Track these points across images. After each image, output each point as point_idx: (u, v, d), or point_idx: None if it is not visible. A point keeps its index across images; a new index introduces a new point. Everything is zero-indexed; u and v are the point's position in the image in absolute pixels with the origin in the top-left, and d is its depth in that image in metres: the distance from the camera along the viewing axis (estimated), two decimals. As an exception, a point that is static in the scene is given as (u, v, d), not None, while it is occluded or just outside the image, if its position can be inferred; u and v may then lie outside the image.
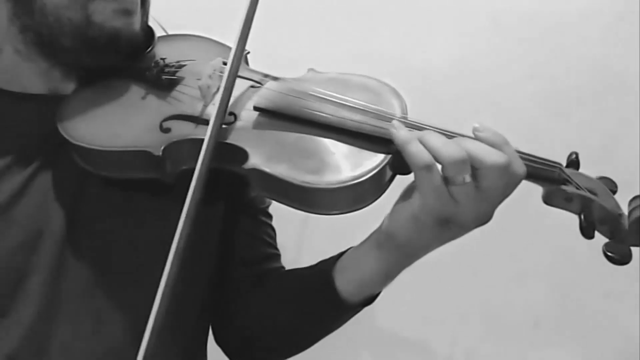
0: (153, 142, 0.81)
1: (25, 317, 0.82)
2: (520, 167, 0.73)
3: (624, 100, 1.43)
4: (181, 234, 0.72)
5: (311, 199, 0.77)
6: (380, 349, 1.45)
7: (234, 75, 0.79)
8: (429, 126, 0.77)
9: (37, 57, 0.87)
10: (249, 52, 0.95)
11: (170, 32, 1.00)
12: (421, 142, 0.73)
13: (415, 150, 0.72)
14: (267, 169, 0.76)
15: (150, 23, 0.93)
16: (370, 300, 0.85)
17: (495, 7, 1.46)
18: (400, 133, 0.73)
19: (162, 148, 0.80)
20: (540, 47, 1.46)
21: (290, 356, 0.98)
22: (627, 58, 1.42)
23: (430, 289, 1.41)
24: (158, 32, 0.96)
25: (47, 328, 0.83)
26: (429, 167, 0.71)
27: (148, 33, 0.92)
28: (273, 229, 1.01)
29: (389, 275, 0.82)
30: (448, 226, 0.74)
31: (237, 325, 0.96)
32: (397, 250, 0.78)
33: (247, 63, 0.95)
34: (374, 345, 1.45)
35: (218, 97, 0.78)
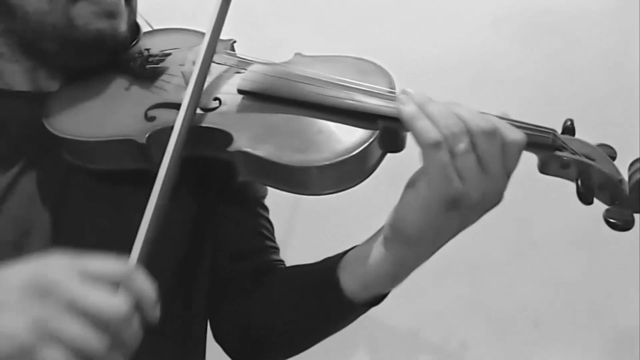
0: (138, 130, 0.80)
1: None
2: (513, 133, 0.71)
3: (624, 99, 1.43)
4: (150, 221, 0.69)
5: (298, 179, 0.75)
6: (378, 348, 1.43)
7: (209, 57, 0.79)
8: None
9: (20, 58, 0.86)
10: (234, 41, 0.94)
11: (155, 27, 0.99)
12: (423, 112, 0.71)
13: (424, 127, 0.69)
14: (252, 151, 0.75)
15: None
16: (377, 300, 0.82)
17: (495, 3, 1.46)
18: (407, 107, 0.71)
19: (147, 136, 0.79)
20: (540, 44, 1.46)
21: (292, 355, 0.95)
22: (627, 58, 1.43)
23: (430, 288, 1.39)
24: (145, 28, 0.96)
25: None
26: (438, 145, 0.69)
27: (134, 28, 0.91)
28: (270, 222, 0.99)
29: (397, 275, 0.78)
30: (457, 209, 0.71)
31: (237, 323, 0.94)
32: (405, 247, 0.75)
33: (233, 50, 0.93)
34: (371, 344, 1.43)
35: (192, 77, 0.77)
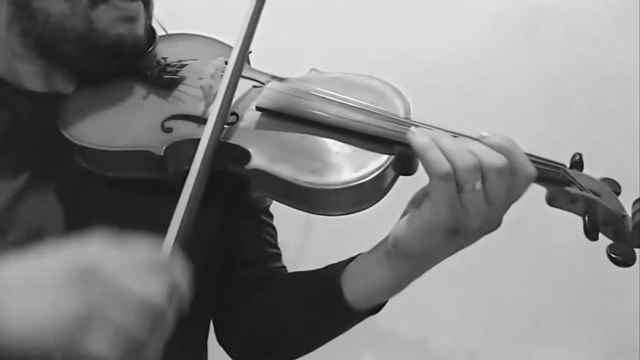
0: (155, 142, 0.81)
1: None
2: (527, 169, 0.73)
3: (625, 99, 1.43)
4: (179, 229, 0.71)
5: (313, 200, 0.76)
6: (381, 350, 1.45)
7: (237, 74, 0.79)
8: (433, 127, 0.77)
9: (36, 60, 0.86)
10: (250, 52, 0.94)
11: (170, 32, 1.00)
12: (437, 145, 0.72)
13: (435, 158, 0.71)
14: (269, 170, 0.76)
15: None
16: (378, 308, 0.85)
17: (496, 5, 1.46)
18: (419, 139, 0.72)
19: (164, 148, 0.80)
20: (541, 45, 1.46)
21: (293, 359, 0.97)
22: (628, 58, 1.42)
23: (430, 288, 1.38)
24: (158, 32, 0.96)
25: None
26: (448, 176, 0.70)
27: (150, 33, 0.91)
28: (274, 228, 1.01)
29: (398, 286, 0.81)
30: (457, 236, 0.73)
31: (240, 326, 0.96)
32: (407, 261, 0.78)
33: (249, 63, 0.94)
34: (375, 345, 1.45)
35: (219, 97, 0.78)
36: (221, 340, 1.00)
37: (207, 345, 0.99)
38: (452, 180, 0.70)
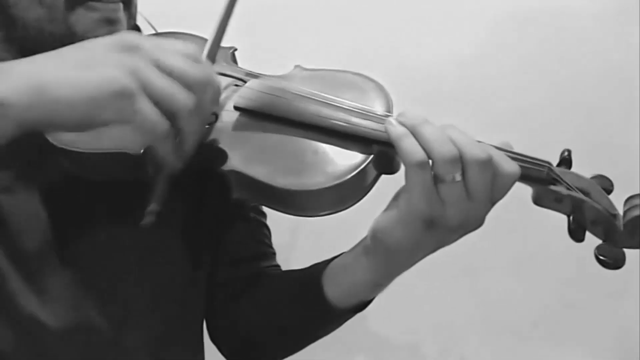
0: (134, 143, 0.78)
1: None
2: (508, 165, 0.71)
3: (625, 100, 1.41)
4: None
5: (293, 202, 0.75)
6: (376, 350, 1.44)
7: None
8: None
9: None
10: (236, 49, 0.93)
11: (159, 30, 0.99)
12: (414, 135, 0.70)
13: (409, 146, 0.70)
14: (246, 171, 0.75)
15: (139, 20, 0.92)
16: (361, 306, 0.84)
17: (495, 5, 1.44)
18: (394, 128, 0.71)
19: (143, 150, 0.78)
20: (541, 46, 1.44)
21: (281, 358, 0.97)
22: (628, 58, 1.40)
23: (429, 288, 1.40)
24: (147, 30, 0.95)
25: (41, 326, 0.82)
26: (422, 165, 0.69)
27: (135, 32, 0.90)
28: (267, 227, 1.00)
29: (378, 283, 0.80)
30: (435, 228, 0.72)
31: (230, 324, 0.96)
32: (385, 256, 0.77)
33: (235, 61, 0.93)
34: (370, 345, 1.44)
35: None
36: (213, 339, 1.00)
37: (203, 346, 0.98)
38: (426, 169, 0.69)
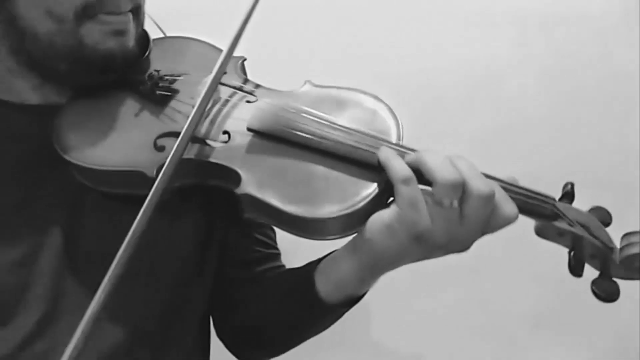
0: (147, 161, 0.80)
1: (24, 326, 0.83)
2: (508, 207, 0.73)
3: (626, 101, 1.41)
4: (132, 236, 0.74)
5: (303, 227, 0.77)
6: (377, 352, 1.45)
7: (212, 88, 0.81)
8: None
9: (29, 75, 0.86)
10: (245, 59, 0.93)
11: (168, 33, 0.99)
12: (417, 162, 0.73)
13: (397, 164, 0.73)
14: (259, 196, 0.76)
15: (147, 22, 0.91)
16: (352, 302, 0.86)
17: (496, 9, 1.43)
18: (384, 150, 0.76)
19: (156, 169, 0.79)
20: (542, 49, 1.43)
21: (281, 352, 1.00)
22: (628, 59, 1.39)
23: (429, 287, 1.41)
24: (156, 34, 0.95)
25: (47, 334, 0.84)
26: (406, 180, 0.72)
27: (143, 40, 0.90)
28: (272, 229, 1.02)
29: (363, 279, 0.82)
30: (421, 242, 0.74)
31: (234, 321, 0.99)
32: (370, 256, 0.79)
33: (244, 71, 0.93)
34: (372, 350, 1.44)
35: (194, 106, 0.80)
36: (219, 334, 1.03)
37: (209, 347, 1.01)
38: (410, 185, 0.72)
